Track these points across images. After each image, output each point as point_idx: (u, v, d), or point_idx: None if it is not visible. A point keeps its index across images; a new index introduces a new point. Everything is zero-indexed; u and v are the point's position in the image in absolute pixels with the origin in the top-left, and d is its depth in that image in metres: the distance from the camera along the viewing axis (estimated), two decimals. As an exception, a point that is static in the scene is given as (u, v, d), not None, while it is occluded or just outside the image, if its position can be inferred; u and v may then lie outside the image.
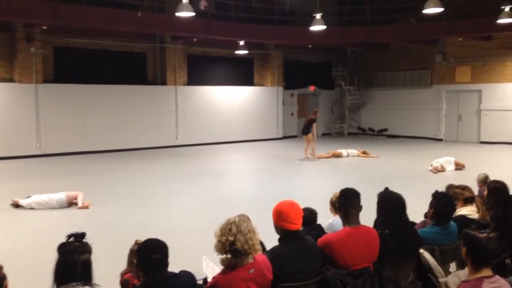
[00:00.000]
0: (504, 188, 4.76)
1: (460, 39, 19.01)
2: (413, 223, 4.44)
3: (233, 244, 2.96)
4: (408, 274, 3.62)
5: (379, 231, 3.64)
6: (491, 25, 15.71)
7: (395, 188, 4.03)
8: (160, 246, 2.95)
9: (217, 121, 19.51)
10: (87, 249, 2.76)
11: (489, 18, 15.59)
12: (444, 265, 3.94)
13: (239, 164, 14.77)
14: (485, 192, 4.94)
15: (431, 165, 12.38)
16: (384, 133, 22.49)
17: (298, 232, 3.41)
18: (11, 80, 15.20)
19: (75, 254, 2.70)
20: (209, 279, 3.51)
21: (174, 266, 3.07)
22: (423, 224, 4.47)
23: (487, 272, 2.79)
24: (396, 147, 18.20)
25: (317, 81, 22.71)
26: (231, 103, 19.99)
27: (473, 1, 17.25)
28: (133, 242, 3.89)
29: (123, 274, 3.86)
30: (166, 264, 2.94)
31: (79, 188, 9.39)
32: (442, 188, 4.60)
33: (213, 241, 3.07)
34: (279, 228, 3.37)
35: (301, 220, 3.41)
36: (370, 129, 23.22)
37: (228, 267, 3.02)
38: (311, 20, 15.40)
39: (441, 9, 12.91)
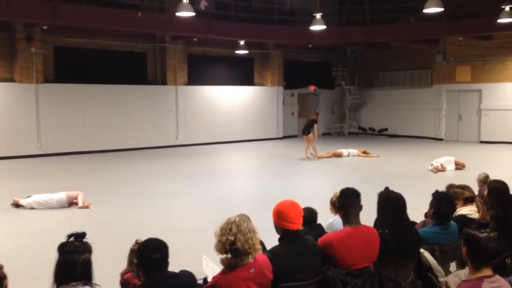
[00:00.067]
0: (504, 188, 4.77)
1: (460, 38, 19.00)
2: (414, 223, 4.43)
3: (233, 243, 2.96)
4: (408, 274, 3.62)
5: (380, 231, 3.63)
6: (491, 25, 15.71)
7: (395, 187, 4.03)
8: (160, 246, 2.95)
9: (218, 121, 19.52)
10: (87, 249, 2.76)
11: (489, 17, 15.59)
12: (445, 264, 3.94)
13: (239, 164, 14.77)
14: (486, 192, 4.94)
15: (432, 164, 12.38)
16: (385, 132, 22.48)
17: (298, 231, 3.41)
18: (11, 80, 15.20)
19: (75, 254, 2.70)
20: (209, 279, 3.51)
21: (174, 266, 3.07)
22: (424, 223, 4.47)
23: (487, 271, 2.80)
24: (396, 147, 18.20)
25: (317, 81, 22.71)
26: (231, 103, 19.99)
27: (473, 0, 17.23)
28: (133, 242, 3.89)
29: (123, 274, 3.86)
30: (166, 263, 2.94)
31: (79, 188, 9.39)
32: (442, 188, 4.60)
33: (213, 241, 3.07)
34: (279, 228, 3.37)
35: (301, 220, 3.41)
36: (371, 129, 23.22)
37: (228, 266, 3.02)
38: (311, 20, 15.40)
39: (441, 9, 12.91)
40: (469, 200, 4.74)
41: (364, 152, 15.56)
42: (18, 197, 8.79)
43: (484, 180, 6.48)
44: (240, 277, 2.98)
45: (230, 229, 2.99)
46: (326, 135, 22.75)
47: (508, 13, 14.26)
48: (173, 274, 2.97)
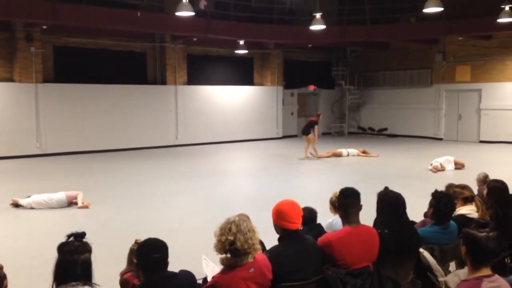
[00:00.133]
0: (503, 187, 4.77)
1: (460, 38, 19.01)
2: (413, 223, 4.44)
3: (232, 243, 2.96)
4: (408, 273, 3.63)
5: (379, 231, 3.64)
6: (491, 24, 15.72)
7: (394, 187, 4.03)
8: (160, 246, 2.95)
9: (217, 121, 19.52)
10: (87, 249, 2.76)
11: (489, 17, 15.59)
12: (444, 264, 3.94)
13: (239, 163, 14.77)
14: (485, 191, 4.94)
15: (431, 164, 12.38)
16: (384, 132, 22.49)
17: (298, 231, 3.41)
18: (11, 79, 15.20)
19: (75, 254, 2.70)
20: (209, 279, 3.51)
21: (174, 265, 3.07)
22: (423, 223, 4.47)
23: (486, 271, 2.80)
24: (396, 147, 18.20)
25: (317, 81, 22.71)
26: (231, 102, 20.00)
27: (473, 0, 17.25)
28: (133, 242, 3.89)
29: (123, 274, 3.86)
30: (166, 263, 2.94)
31: (79, 187, 9.39)
32: (441, 188, 4.60)
33: (213, 240, 3.07)
34: (279, 228, 3.37)
35: (301, 220, 3.41)
36: (370, 129, 23.22)
37: (228, 266, 3.02)
38: (311, 20, 15.41)
39: (441, 9, 12.92)
40: (468, 200, 4.74)
41: (364, 152, 15.56)
42: (17, 197, 8.79)
43: (484, 180, 6.48)
44: (240, 277, 2.98)
45: (230, 229, 2.99)
46: (325, 134, 22.74)
47: (508, 12, 14.26)
48: (173, 274, 2.97)
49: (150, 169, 13.10)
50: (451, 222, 4.12)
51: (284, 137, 21.51)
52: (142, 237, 3.29)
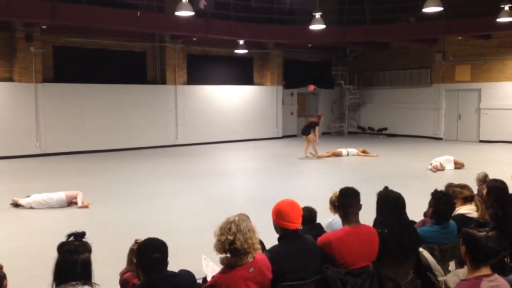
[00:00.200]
0: (503, 187, 4.76)
1: (460, 38, 19.00)
2: (413, 222, 4.44)
3: (232, 243, 2.96)
4: (407, 273, 3.63)
5: (379, 230, 3.64)
6: (490, 24, 15.72)
7: (394, 187, 4.03)
8: (160, 245, 2.95)
9: (217, 121, 19.52)
10: (87, 249, 2.77)
11: (488, 17, 15.60)
12: (444, 263, 3.95)
13: (239, 163, 14.77)
14: (485, 191, 4.94)
15: (431, 164, 12.39)
16: (384, 132, 22.49)
17: (298, 231, 3.41)
18: (10, 79, 15.19)
19: (74, 254, 2.70)
20: (209, 278, 3.51)
21: (174, 265, 3.07)
22: (423, 223, 4.47)
23: (486, 270, 2.80)
24: (395, 146, 18.21)
25: (317, 80, 22.71)
26: (231, 102, 20.00)
27: (472, 0, 17.25)
28: (132, 242, 3.89)
29: (122, 273, 3.86)
30: (165, 263, 2.95)
31: (78, 187, 9.38)
32: (441, 187, 4.60)
33: (212, 240, 3.07)
34: (278, 227, 3.37)
35: (300, 219, 3.42)
36: (370, 128, 23.22)
37: (228, 266, 3.02)
38: (310, 19, 15.42)
39: (440, 8, 12.91)
40: (468, 199, 4.74)
41: (364, 152, 15.56)
42: (17, 196, 8.79)
43: (483, 179, 6.48)
44: (240, 277, 2.99)
45: (230, 229, 2.99)
46: (325, 134, 22.74)
47: (507, 12, 14.27)
48: (173, 274, 2.97)
49: (150, 169, 13.10)
50: (451, 221, 4.13)
51: (284, 136, 21.51)
52: (142, 237, 3.29)
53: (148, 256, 2.89)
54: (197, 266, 4.00)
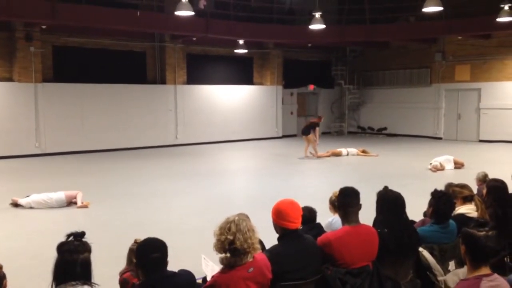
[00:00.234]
0: (503, 187, 4.76)
1: (460, 37, 19.00)
2: (413, 222, 4.44)
3: (232, 243, 2.96)
4: (407, 273, 3.63)
5: (378, 230, 3.64)
6: (490, 24, 15.72)
7: (394, 186, 4.03)
8: (159, 245, 2.95)
9: (217, 120, 19.52)
10: (86, 248, 2.76)
11: (488, 16, 15.59)
12: (443, 263, 3.95)
13: (239, 163, 14.77)
14: (484, 191, 4.94)
15: (430, 163, 12.38)
16: (384, 132, 22.49)
17: (298, 231, 3.41)
18: (10, 79, 15.19)
19: (74, 253, 2.70)
20: (209, 278, 3.51)
21: (174, 265, 3.07)
22: (422, 222, 4.47)
23: (486, 270, 2.80)
24: (395, 146, 18.21)
25: (317, 80, 22.71)
26: (231, 102, 19.99)
27: (472, 0, 17.25)
28: (132, 241, 3.89)
29: (122, 273, 3.86)
30: (165, 263, 2.94)
31: (78, 187, 9.38)
32: (441, 187, 4.60)
33: (212, 240, 3.07)
34: (278, 227, 3.37)
35: (300, 219, 3.41)
36: (370, 128, 23.22)
37: (227, 266, 3.02)
38: (310, 19, 15.41)
39: (440, 8, 12.90)
40: (468, 199, 4.74)
41: (363, 151, 15.57)
42: (17, 196, 8.79)
43: (483, 179, 6.48)
44: (239, 276, 2.98)
45: (229, 228, 2.99)
46: (325, 134, 22.74)
47: (507, 12, 14.27)
48: (172, 273, 2.97)
49: (149, 169, 13.09)
50: (451, 221, 4.12)
51: (283, 136, 21.51)
52: (141, 237, 3.28)
53: (148, 256, 2.89)
54: (197, 266, 4.00)
